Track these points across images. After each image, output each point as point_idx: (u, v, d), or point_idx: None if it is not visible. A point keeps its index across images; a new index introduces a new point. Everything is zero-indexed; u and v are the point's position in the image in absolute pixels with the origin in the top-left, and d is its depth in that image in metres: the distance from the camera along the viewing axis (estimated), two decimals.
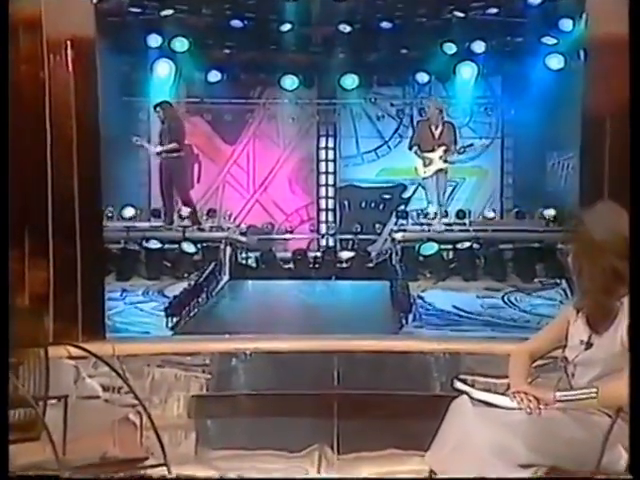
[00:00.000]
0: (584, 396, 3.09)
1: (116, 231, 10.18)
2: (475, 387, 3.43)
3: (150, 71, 12.04)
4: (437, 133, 10.81)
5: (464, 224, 10.92)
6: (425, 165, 10.81)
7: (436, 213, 10.73)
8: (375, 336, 6.31)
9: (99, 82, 5.96)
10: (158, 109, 11.00)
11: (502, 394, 3.28)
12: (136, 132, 12.06)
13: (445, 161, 10.76)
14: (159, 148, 10.84)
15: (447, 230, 10.64)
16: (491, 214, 11.38)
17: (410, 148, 11.01)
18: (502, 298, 9.01)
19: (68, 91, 5.70)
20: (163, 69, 12.03)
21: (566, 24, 10.66)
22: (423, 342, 6.05)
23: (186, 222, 10.72)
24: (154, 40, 11.68)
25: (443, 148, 10.72)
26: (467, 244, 10.27)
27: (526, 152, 12.01)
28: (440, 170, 10.78)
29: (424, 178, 10.95)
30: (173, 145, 10.75)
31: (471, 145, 11.32)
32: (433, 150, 10.74)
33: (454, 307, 8.51)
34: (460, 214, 11.22)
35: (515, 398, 3.16)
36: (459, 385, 3.39)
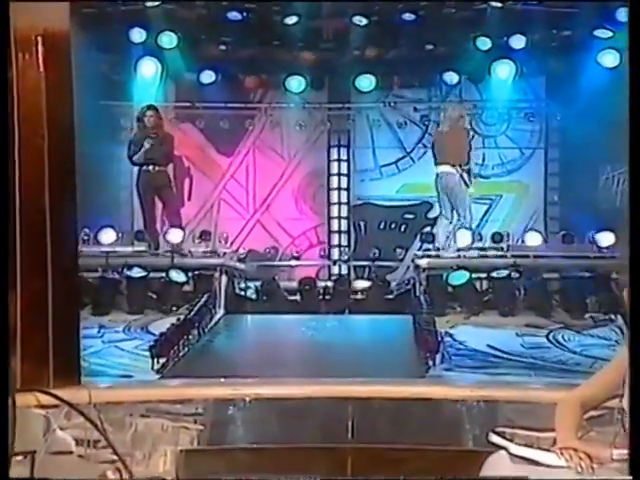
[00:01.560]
0: None
1: (93, 257, 10.21)
2: (515, 441, 3.41)
3: (133, 71, 12.16)
4: (450, 144, 10.78)
5: (501, 249, 10.93)
6: (439, 179, 10.82)
7: (466, 235, 10.72)
8: (396, 380, 6.25)
9: (74, 84, 5.99)
10: (142, 115, 11.03)
11: (547, 450, 3.26)
12: (117, 141, 12.15)
13: (460, 177, 10.73)
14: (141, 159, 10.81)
15: (481, 256, 10.64)
16: (533, 237, 11.35)
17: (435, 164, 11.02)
18: (547, 336, 8.98)
19: (39, 94, 5.73)
20: (148, 68, 12.14)
21: (623, 14, 10.44)
22: (453, 388, 5.99)
23: (174, 247, 10.75)
24: (138, 35, 11.79)
25: (456, 161, 10.72)
26: (504, 273, 10.26)
27: (574, 165, 12.02)
28: (454, 187, 10.73)
29: (438, 195, 10.97)
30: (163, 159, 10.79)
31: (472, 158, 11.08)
32: (445, 163, 10.74)
33: (489, 346, 8.48)
34: (496, 237, 11.22)
35: (563, 455, 3.14)
36: (496, 439, 3.38)
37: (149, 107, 11.08)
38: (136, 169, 11.02)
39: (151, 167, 10.76)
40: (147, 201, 10.91)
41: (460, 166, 10.63)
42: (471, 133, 11.07)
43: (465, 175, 10.67)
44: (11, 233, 5.65)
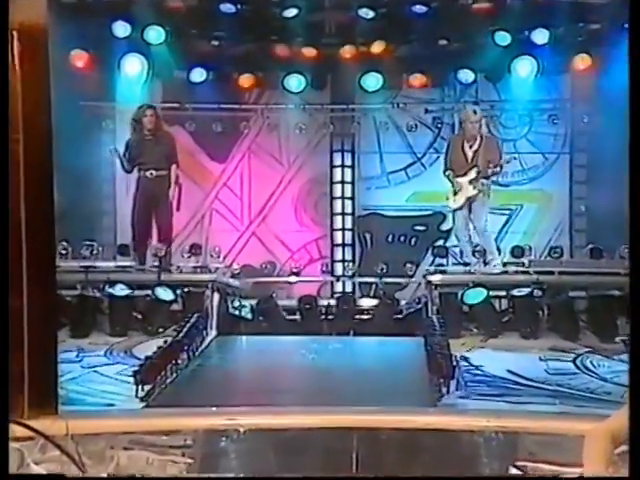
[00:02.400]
0: None
1: (71, 273, 10.20)
2: (537, 477, 3.40)
3: (117, 68, 12.18)
4: (471, 153, 10.81)
5: (522, 264, 10.91)
6: (454, 193, 10.85)
7: (484, 251, 10.72)
8: (405, 409, 6.25)
9: (52, 83, 6.00)
10: (140, 115, 10.97)
11: None
12: (99, 145, 12.16)
13: (476, 188, 10.73)
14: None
15: (500, 272, 10.63)
16: (558, 252, 11.34)
17: (444, 172, 11.04)
18: (573, 361, 8.95)
19: (14, 95, 5.74)
20: (133, 66, 12.17)
21: None
22: (468, 417, 5.99)
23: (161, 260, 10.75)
24: (122, 29, 11.82)
25: (475, 170, 10.73)
26: (526, 290, 10.24)
27: (603, 172, 12.01)
28: (471, 198, 10.75)
29: (454, 210, 10.97)
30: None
31: (504, 164, 11.07)
32: (463, 174, 10.76)
33: (509, 372, 8.46)
34: (516, 251, 11.20)
35: None
36: (516, 474, 3.36)
37: (147, 107, 11.09)
38: (133, 177, 11.04)
39: (149, 172, 10.76)
40: (143, 211, 10.89)
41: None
42: (492, 141, 10.99)
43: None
44: None
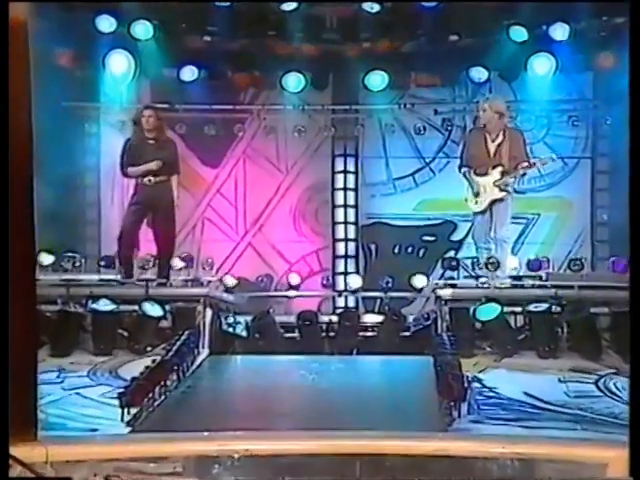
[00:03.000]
0: None
1: (52, 287, 10.20)
2: None
3: (101, 66, 12.20)
4: (494, 147, 10.66)
5: (539, 277, 10.93)
6: (476, 194, 10.71)
7: (498, 262, 10.70)
8: (413, 434, 6.24)
9: (32, 81, 6.00)
10: (139, 116, 10.92)
11: None
12: (82, 148, 12.18)
13: (502, 189, 10.65)
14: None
15: (515, 286, 10.62)
16: (578, 264, 11.32)
17: (460, 168, 10.87)
18: (596, 383, 8.92)
19: None
20: (119, 63, 12.21)
21: None
22: (482, 443, 5.98)
23: (151, 274, 10.77)
24: (106, 24, 11.88)
25: (499, 169, 10.63)
26: (544, 306, 10.21)
27: (627, 178, 12.01)
28: (496, 201, 10.69)
29: (475, 213, 10.86)
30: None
31: (548, 161, 10.92)
32: (486, 174, 10.64)
33: (526, 394, 8.42)
34: (533, 264, 11.20)
35: None
36: None
37: (147, 107, 11.09)
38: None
39: (146, 179, 10.72)
40: (137, 220, 10.85)
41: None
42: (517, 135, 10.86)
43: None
44: None
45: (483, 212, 10.71)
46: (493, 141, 10.60)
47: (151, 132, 10.77)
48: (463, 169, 10.74)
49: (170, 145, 10.99)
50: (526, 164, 10.53)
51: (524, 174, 10.73)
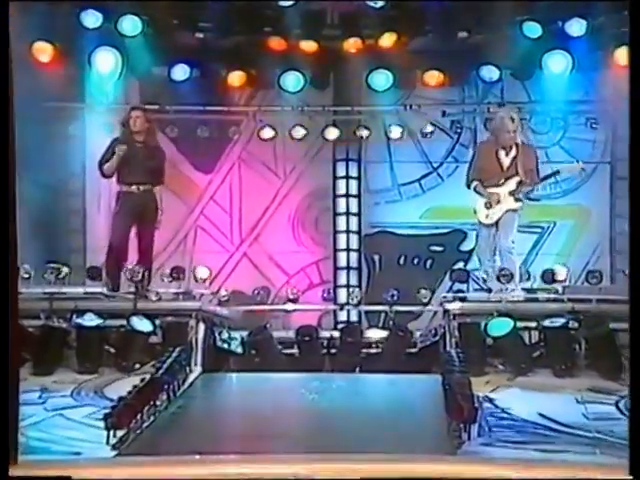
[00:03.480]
0: None
1: (34, 300, 10.19)
2: None
3: (86, 64, 12.20)
4: (507, 161, 10.72)
5: (555, 291, 10.91)
6: (488, 206, 10.73)
7: (511, 274, 10.69)
8: (420, 457, 6.23)
9: (13, 80, 6.00)
10: (127, 117, 10.92)
11: None
12: (65, 152, 12.17)
13: (518, 199, 10.67)
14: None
15: (529, 300, 10.62)
16: (596, 277, 11.30)
17: (468, 185, 10.92)
18: (616, 405, 8.90)
19: None
20: (105, 61, 12.20)
21: None
22: (493, 467, 5.97)
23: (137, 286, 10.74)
24: (92, 19, 11.86)
25: (516, 180, 10.67)
26: (560, 321, 10.21)
27: None
28: (509, 211, 10.71)
29: (485, 225, 10.87)
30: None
31: (555, 173, 11.12)
32: (500, 184, 10.68)
33: (541, 416, 8.41)
34: (548, 275, 11.17)
35: None
36: None
37: (134, 108, 11.14)
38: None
39: (134, 187, 10.74)
40: (121, 230, 10.89)
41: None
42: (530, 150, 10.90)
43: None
44: None
45: (491, 225, 10.73)
46: (507, 155, 10.67)
47: (140, 135, 10.78)
48: (473, 184, 10.78)
49: (159, 153, 11.02)
50: (536, 178, 10.63)
51: (533, 187, 10.74)
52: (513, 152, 10.69)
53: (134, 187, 10.77)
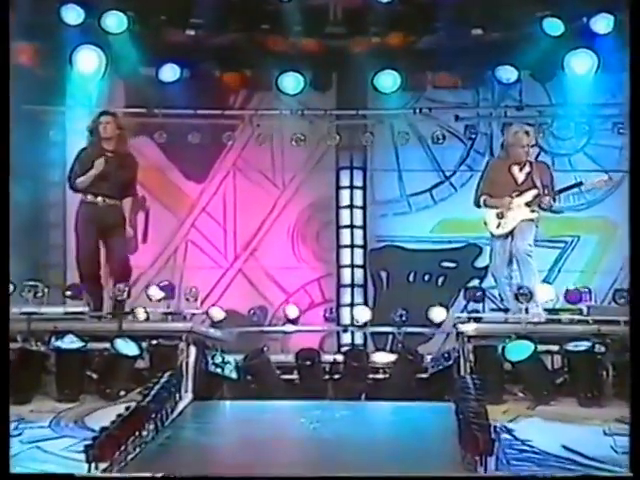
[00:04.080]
0: None
1: (10, 321, 10.13)
2: None
3: (68, 64, 12.20)
4: (522, 176, 10.75)
5: (579, 311, 10.90)
6: (500, 215, 10.72)
7: (530, 292, 10.67)
8: None
9: None
10: (95, 123, 10.90)
11: None
12: (44, 160, 12.15)
13: (535, 210, 10.65)
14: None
15: (551, 321, 10.60)
16: (624, 296, 11.26)
17: (477, 202, 10.92)
18: None
19: None
20: (88, 61, 12.22)
21: None
22: None
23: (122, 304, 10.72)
24: (74, 14, 11.88)
25: (533, 192, 10.69)
26: (585, 344, 10.17)
27: None
28: (525, 220, 10.68)
29: (498, 236, 10.85)
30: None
31: (578, 185, 11.05)
32: (513, 196, 10.68)
33: (565, 448, 8.38)
34: (572, 295, 11.19)
35: None
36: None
37: (104, 112, 11.07)
38: (76, 197, 10.96)
39: (99, 198, 10.70)
40: (87, 244, 10.87)
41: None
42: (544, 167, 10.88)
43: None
44: None
45: (506, 236, 10.71)
46: (521, 170, 10.72)
47: (109, 142, 10.72)
48: (481, 198, 10.82)
49: (131, 163, 10.92)
50: (552, 196, 10.65)
51: (550, 203, 10.72)
52: (527, 168, 10.74)
53: (99, 198, 10.72)
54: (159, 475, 4.19)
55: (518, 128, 11.01)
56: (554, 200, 10.76)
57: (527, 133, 10.85)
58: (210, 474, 7.44)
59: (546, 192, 10.65)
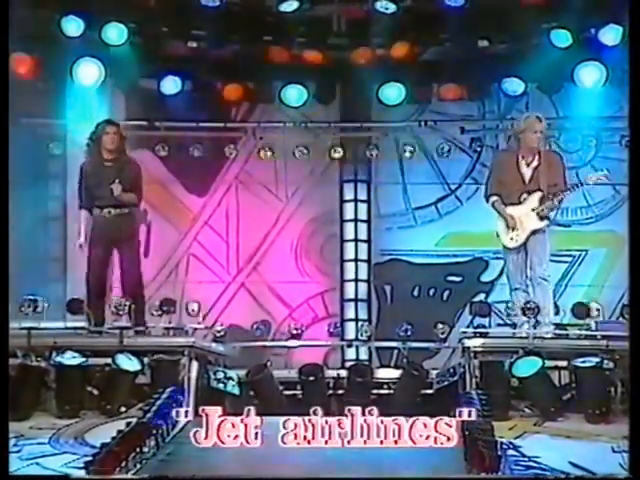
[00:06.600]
0: None
1: (10, 337, 10.14)
2: None
3: (68, 76, 12.21)
4: (529, 172, 10.66)
5: (587, 327, 10.88)
6: (511, 227, 10.68)
7: (537, 307, 10.66)
8: None
9: None
10: (98, 133, 10.88)
11: None
12: (44, 174, 12.16)
13: (543, 217, 10.62)
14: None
15: (558, 336, 10.60)
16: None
17: (487, 198, 10.86)
18: None
19: None
20: (88, 73, 12.23)
21: None
22: None
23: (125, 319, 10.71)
24: (74, 26, 11.89)
25: (538, 195, 10.61)
26: (593, 360, 10.17)
27: None
28: (534, 233, 10.65)
29: (511, 249, 10.81)
30: (129, 196, 10.69)
31: (577, 185, 10.89)
32: (521, 201, 10.64)
33: (573, 465, 8.37)
34: (580, 310, 11.17)
35: None
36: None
37: (107, 122, 10.96)
38: (76, 210, 10.97)
39: (107, 210, 10.67)
40: (100, 259, 10.85)
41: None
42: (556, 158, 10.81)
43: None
44: None
45: (520, 248, 10.67)
46: (528, 165, 10.61)
47: (111, 153, 10.68)
48: (491, 199, 10.72)
49: (133, 169, 10.85)
50: (563, 194, 10.57)
51: (559, 202, 10.66)
52: (535, 162, 10.60)
53: (106, 211, 10.71)
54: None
55: (530, 114, 10.97)
56: (562, 196, 10.63)
57: (539, 119, 10.75)
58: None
59: (552, 193, 10.59)
